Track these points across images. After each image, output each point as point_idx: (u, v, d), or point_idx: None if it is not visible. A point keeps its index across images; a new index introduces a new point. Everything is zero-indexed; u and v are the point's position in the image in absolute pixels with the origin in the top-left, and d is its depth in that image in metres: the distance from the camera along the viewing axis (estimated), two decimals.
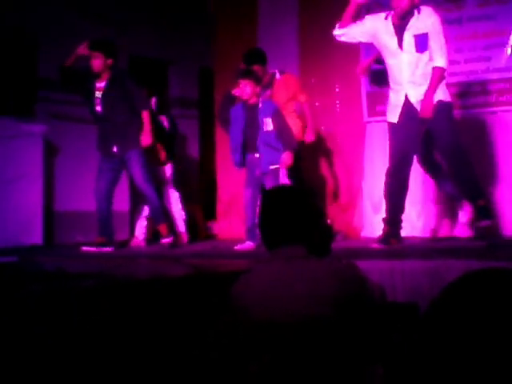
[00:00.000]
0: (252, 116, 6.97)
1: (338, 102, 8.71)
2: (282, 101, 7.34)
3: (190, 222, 8.43)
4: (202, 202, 9.60)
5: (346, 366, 2.65)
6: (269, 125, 6.90)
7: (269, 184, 6.59)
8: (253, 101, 6.96)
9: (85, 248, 7.18)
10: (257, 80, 7.01)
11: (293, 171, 7.04)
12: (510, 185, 7.75)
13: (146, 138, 7.33)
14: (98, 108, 7.36)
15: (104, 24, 8.66)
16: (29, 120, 8.62)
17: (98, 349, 3.35)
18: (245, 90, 6.93)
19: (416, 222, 8.22)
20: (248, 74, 7.03)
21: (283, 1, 9.23)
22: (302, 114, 7.67)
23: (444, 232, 7.75)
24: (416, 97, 6.31)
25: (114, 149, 7.38)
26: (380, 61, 6.81)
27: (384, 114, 8.47)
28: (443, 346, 2.50)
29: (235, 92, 7.13)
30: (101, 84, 7.36)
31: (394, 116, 6.49)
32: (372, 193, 8.57)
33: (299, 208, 2.93)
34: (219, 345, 2.84)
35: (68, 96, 8.58)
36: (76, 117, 8.70)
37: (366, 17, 6.52)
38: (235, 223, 9.18)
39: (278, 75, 7.62)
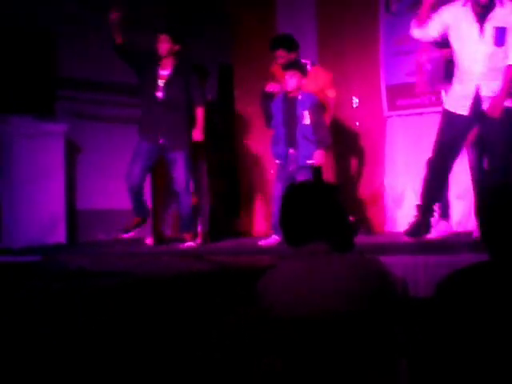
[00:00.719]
0: (291, 108, 6.91)
1: (357, 95, 8.68)
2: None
3: (212, 219, 8.43)
4: (225, 198, 9.59)
5: (371, 361, 2.65)
6: (307, 118, 6.86)
7: (302, 179, 6.52)
8: (294, 93, 6.91)
9: (124, 235, 7.19)
10: (303, 72, 6.97)
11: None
12: None
13: (198, 134, 7.22)
14: (160, 94, 7.15)
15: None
16: (49, 119, 8.66)
17: (120, 346, 3.38)
18: (290, 81, 6.86)
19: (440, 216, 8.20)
20: (294, 66, 6.99)
21: (300, 2, 9.21)
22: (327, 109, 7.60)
23: (469, 227, 7.72)
24: (487, 91, 6.06)
25: (161, 140, 7.23)
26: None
27: (404, 108, 8.50)
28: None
29: (269, 88, 7.06)
30: (164, 72, 7.20)
31: (458, 107, 6.19)
32: (394, 188, 8.56)
33: (322, 204, 2.93)
34: (242, 341, 2.86)
35: (89, 95, 8.62)
36: (97, 115, 8.74)
37: (442, 8, 6.26)
38: (258, 219, 9.20)
39: (308, 66, 7.48)
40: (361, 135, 8.70)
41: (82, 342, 3.28)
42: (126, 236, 7.14)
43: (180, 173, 7.22)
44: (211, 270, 4.53)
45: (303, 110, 6.88)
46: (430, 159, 6.41)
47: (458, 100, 6.23)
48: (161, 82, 7.16)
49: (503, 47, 6.01)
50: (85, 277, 4.22)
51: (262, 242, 6.91)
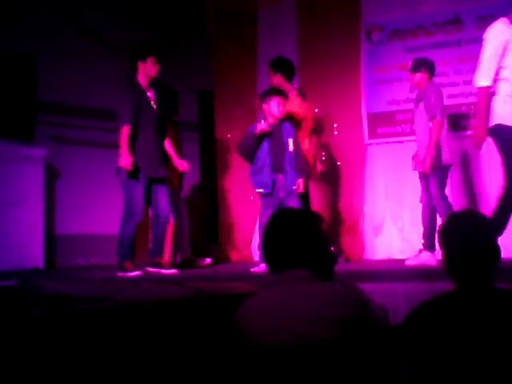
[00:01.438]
0: (277, 136, 6.89)
1: (337, 123, 8.72)
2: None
3: (192, 245, 8.42)
4: (204, 224, 9.58)
5: None
6: (291, 145, 6.87)
7: (292, 204, 6.56)
8: (278, 121, 6.91)
9: (149, 269, 7.01)
10: (285, 97, 6.98)
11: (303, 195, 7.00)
12: None
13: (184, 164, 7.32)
14: (155, 115, 7.07)
15: (103, 46, 8.68)
16: (29, 143, 8.63)
17: (97, 372, 3.35)
18: (279, 108, 6.85)
19: (418, 243, 8.23)
20: (280, 92, 6.96)
21: (282, 21, 9.26)
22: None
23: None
24: None
25: (162, 171, 7.15)
26: None
27: (385, 136, 8.54)
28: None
29: (261, 129, 6.84)
30: (150, 94, 7.11)
31: None
32: (373, 215, 8.59)
33: (305, 231, 2.94)
34: (221, 368, 2.84)
35: (69, 119, 8.61)
36: (77, 140, 8.72)
37: (495, 39, 6.08)
38: (237, 246, 9.19)
39: (294, 93, 7.47)
40: (341, 162, 8.73)
41: (61, 367, 3.25)
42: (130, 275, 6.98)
43: (164, 198, 7.11)
44: (190, 296, 4.51)
45: (288, 137, 6.89)
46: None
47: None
48: (152, 104, 7.08)
49: None
50: (63, 302, 4.18)
51: (254, 269, 6.84)
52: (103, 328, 3.63)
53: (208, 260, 7.88)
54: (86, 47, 8.29)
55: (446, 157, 6.94)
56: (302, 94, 7.55)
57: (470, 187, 8.06)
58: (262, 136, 6.85)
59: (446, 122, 7.00)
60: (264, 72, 9.11)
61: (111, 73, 8.74)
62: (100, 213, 8.54)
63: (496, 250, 2.73)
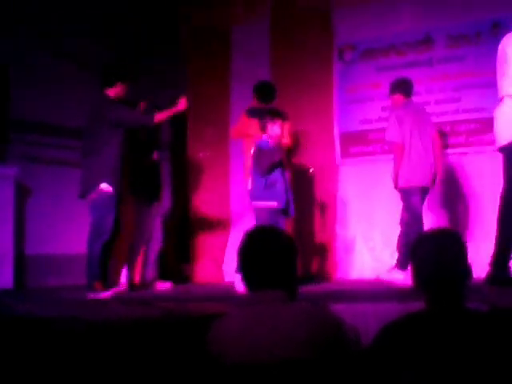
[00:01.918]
0: (282, 157, 7.06)
1: (310, 143, 8.73)
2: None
3: (163, 265, 8.37)
4: (175, 244, 9.52)
5: None
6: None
7: (283, 226, 6.77)
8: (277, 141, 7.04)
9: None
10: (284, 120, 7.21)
11: None
12: (479, 224, 7.79)
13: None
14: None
15: (78, 65, 8.63)
16: (0, 162, 8.55)
17: None
18: (279, 130, 6.99)
19: (389, 262, 8.25)
20: (282, 115, 7.17)
21: (255, 40, 9.28)
22: None
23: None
24: None
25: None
26: None
27: (357, 155, 8.56)
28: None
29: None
30: None
31: None
32: (345, 235, 8.60)
33: (284, 252, 2.93)
34: None
35: (40, 138, 8.54)
36: (48, 159, 8.65)
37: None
38: (208, 266, 9.15)
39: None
40: (313, 182, 8.74)
41: None
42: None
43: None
44: (160, 317, 4.48)
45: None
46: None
47: None
48: None
49: None
50: (32, 322, 4.14)
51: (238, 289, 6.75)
52: (72, 349, 3.59)
53: (168, 284, 7.75)
54: (61, 66, 8.23)
55: (419, 179, 6.96)
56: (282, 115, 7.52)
57: (450, 205, 8.08)
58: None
59: (420, 142, 6.98)
60: (237, 91, 9.15)
61: (85, 93, 8.70)
62: (72, 233, 8.45)
63: (466, 269, 2.72)
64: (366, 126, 8.63)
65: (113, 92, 6.98)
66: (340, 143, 8.70)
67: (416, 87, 8.23)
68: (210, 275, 9.01)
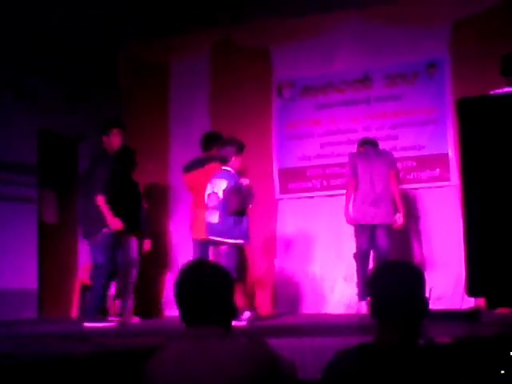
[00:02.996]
0: None
1: (249, 178, 8.74)
2: None
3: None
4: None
5: None
6: None
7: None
8: None
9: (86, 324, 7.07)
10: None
11: None
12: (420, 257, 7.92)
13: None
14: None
15: (14, 96, 8.53)
16: None
17: None
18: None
19: (329, 297, 8.30)
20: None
21: (194, 74, 9.30)
22: None
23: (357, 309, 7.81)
24: None
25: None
26: None
27: (296, 191, 8.61)
28: None
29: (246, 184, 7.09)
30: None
31: None
32: (284, 269, 8.61)
33: (219, 286, 2.92)
34: None
35: None
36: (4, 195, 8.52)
37: None
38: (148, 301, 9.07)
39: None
40: (253, 216, 8.74)
41: None
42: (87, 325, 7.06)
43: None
44: (95, 351, 4.42)
45: None
46: None
47: None
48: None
49: None
50: None
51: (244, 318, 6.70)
52: None
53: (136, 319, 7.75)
54: (6, 99, 8.11)
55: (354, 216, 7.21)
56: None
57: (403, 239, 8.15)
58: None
59: (361, 182, 7.20)
60: (176, 125, 9.16)
61: (29, 126, 8.62)
62: (7, 266, 8.32)
63: (422, 301, 2.71)
64: (305, 163, 8.68)
65: (107, 141, 7.51)
66: (279, 179, 8.74)
67: (354, 125, 8.39)
68: (150, 310, 8.93)
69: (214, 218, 6.92)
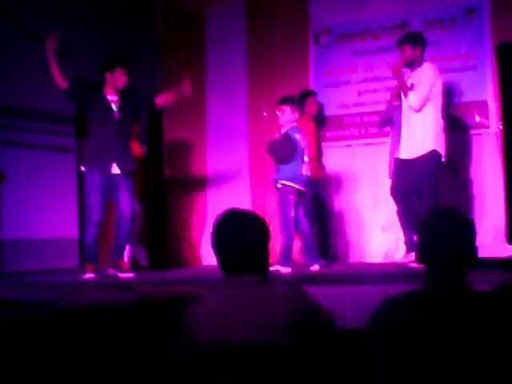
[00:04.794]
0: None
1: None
2: None
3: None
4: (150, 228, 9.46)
5: None
6: None
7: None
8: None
9: (122, 275, 6.98)
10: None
11: None
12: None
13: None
14: (115, 118, 7.06)
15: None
16: None
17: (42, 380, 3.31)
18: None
19: (367, 246, 8.30)
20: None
21: (230, 24, 9.26)
22: None
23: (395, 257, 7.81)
24: None
25: (112, 169, 7.04)
26: None
27: (334, 139, 8.58)
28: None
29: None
30: (113, 97, 7.10)
31: None
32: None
33: (257, 235, 2.93)
34: (170, 373, 2.82)
35: (15, 121, 8.46)
36: (24, 143, 8.58)
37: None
38: (185, 250, 9.14)
39: None
40: None
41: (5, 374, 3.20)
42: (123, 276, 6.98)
43: (128, 199, 7.06)
44: (138, 300, 4.47)
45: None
46: None
47: None
48: (114, 107, 7.06)
49: None
50: (7, 306, 4.12)
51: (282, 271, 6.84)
52: (48, 334, 3.58)
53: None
54: (35, 49, 8.12)
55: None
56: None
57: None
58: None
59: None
60: (212, 76, 9.13)
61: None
62: (48, 216, 8.42)
63: (471, 249, 2.72)
64: (343, 111, 8.63)
65: (110, 79, 7.08)
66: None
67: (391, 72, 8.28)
68: (188, 259, 9.01)
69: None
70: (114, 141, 7.00)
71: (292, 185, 7.01)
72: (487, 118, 7.91)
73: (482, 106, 7.95)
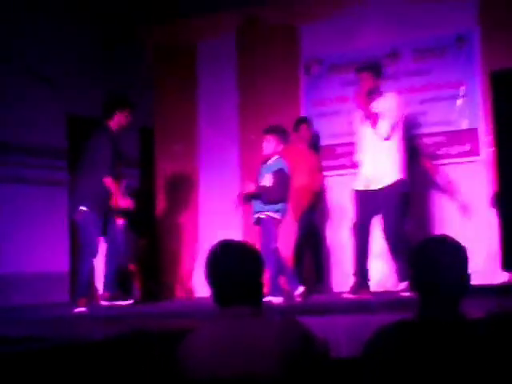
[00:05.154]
0: None
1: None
2: None
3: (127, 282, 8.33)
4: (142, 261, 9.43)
5: None
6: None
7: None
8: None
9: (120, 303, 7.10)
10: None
11: None
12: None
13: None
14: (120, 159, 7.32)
15: (39, 80, 8.57)
16: None
17: None
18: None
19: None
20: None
21: (221, 55, 9.28)
22: None
23: (388, 287, 7.77)
24: None
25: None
26: None
27: (326, 169, 8.58)
28: None
29: (248, 189, 7.22)
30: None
31: None
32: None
33: (251, 266, 2.91)
34: None
35: (10, 157, 8.46)
36: (11, 177, 8.56)
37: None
38: (179, 281, 9.10)
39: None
40: None
41: None
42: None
43: (121, 233, 7.38)
44: (131, 334, 4.44)
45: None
46: None
47: None
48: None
49: None
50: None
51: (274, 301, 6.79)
52: (42, 370, 3.55)
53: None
54: (23, 81, 8.15)
55: None
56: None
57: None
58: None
59: None
60: (204, 108, 9.15)
61: (57, 110, 8.67)
62: (35, 251, 8.39)
63: (464, 276, 2.70)
64: (334, 141, 8.64)
65: (114, 123, 7.26)
66: None
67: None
68: (181, 290, 8.97)
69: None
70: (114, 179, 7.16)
71: (276, 217, 7.01)
72: (478, 146, 7.94)
73: (472, 134, 7.97)
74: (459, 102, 8.08)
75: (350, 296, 6.78)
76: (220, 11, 9.04)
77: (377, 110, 6.86)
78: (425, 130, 8.10)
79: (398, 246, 6.82)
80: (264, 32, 8.99)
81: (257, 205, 7.10)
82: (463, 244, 2.75)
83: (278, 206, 7.03)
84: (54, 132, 7.69)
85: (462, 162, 8.06)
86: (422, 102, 8.24)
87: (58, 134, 8.15)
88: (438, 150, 8.11)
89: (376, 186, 6.89)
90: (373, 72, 7.05)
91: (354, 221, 7.11)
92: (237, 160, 9.08)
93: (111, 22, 9.42)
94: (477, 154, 7.95)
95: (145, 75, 9.54)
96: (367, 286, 7.00)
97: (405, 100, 7.73)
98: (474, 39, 8.02)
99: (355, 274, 7.03)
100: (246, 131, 8.96)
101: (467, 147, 8.00)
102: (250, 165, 8.72)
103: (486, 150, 7.67)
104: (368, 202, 6.91)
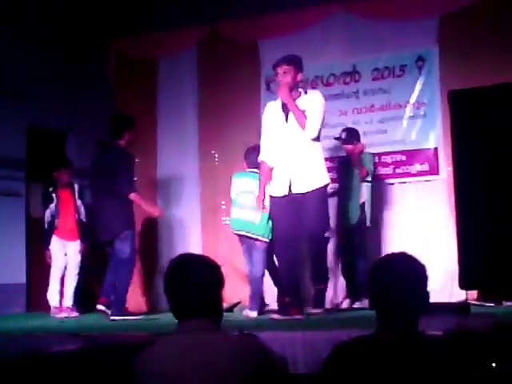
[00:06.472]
0: None
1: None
2: None
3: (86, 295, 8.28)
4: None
5: None
6: None
7: None
8: None
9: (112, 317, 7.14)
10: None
11: None
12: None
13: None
14: None
15: (1, 93, 8.50)
16: None
17: None
18: None
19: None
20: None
21: (183, 70, 9.26)
22: None
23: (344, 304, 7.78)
24: None
25: None
26: None
27: None
28: None
29: None
30: None
31: None
32: None
33: (210, 280, 2.89)
34: None
35: None
36: None
37: None
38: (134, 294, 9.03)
39: None
40: None
41: None
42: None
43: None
44: (85, 347, 4.40)
45: None
46: None
47: None
48: None
49: None
50: None
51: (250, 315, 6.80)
52: None
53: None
54: None
55: None
56: None
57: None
58: None
59: None
60: (164, 121, 9.13)
61: (17, 120, 8.61)
62: None
63: (423, 294, 2.70)
64: None
65: (123, 142, 7.45)
66: None
67: (343, 119, 8.34)
68: (140, 305, 8.88)
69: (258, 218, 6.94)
70: None
71: (267, 240, 7.05)
72: (437, 165, 8.00)
73: (432, 153, 8.03)
74: (419, 121, 8.15)
75: (279, 317, 6.22)
76: (182, 26, 9.04)
77: (302, 107, 6.31)
78: (385, 149, 8.15)
79: (322, 250, 6.55)
80: (225, 47, 9.00)
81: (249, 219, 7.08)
82: (422, 262, 2.75)
83: (269, 227, 6.90)
84: (14, 143, 7.60)
85: (421, 181, 8.12)
86: (383, 120, 8.29)
87: (19, 145, 8.06)
88: (398, 168, 8.16)
89: (300, 190, 6.26)
90: (296, 66, 6.43)
91: (276, 234, 6.54)
92: (196, 174, 9.06)
93: (74, 35, 9.38)
94: (436, 173, 8.02)
95: (106, 88, 9.48)
96: (299, 305, 6.39)
97: (365, 119, 7.79)
98: (433, 59, 8.10)
99: (284, 294, 6.52)
100: (206, 145, 8.95)
101: (426, 166, 8.06)
102: (210, 179, 8.75)
103: (446, 169, 7.73)
104: (291, 210, 6.25)
